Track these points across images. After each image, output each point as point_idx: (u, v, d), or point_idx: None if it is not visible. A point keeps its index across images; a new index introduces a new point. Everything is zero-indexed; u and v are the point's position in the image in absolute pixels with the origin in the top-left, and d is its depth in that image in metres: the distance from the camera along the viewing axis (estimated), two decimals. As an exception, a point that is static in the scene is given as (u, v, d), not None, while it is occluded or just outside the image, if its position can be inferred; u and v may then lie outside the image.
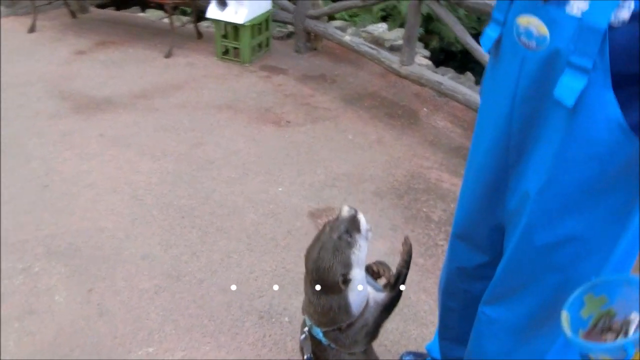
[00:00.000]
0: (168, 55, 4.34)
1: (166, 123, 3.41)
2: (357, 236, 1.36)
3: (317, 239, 1.39)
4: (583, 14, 0.90)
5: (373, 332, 1.48)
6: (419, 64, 3.85)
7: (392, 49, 4.45)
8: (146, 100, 3.67)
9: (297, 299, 2.16)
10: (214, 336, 2.00)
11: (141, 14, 5.60)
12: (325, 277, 1.34)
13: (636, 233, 1.09)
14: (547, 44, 0.97)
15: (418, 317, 2.14)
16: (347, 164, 3.10)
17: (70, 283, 2.20)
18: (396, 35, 4.70)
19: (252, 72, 4.21)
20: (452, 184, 3.01)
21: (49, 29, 4.76)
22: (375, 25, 5.05)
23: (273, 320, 2.07)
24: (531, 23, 0.99)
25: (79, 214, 2.58)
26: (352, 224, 1.37)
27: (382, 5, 5.68)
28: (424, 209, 2.80)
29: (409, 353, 1.95)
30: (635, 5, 0.85)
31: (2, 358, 1.88)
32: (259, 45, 4.43)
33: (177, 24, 4.71)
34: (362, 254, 1.37)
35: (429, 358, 1.84)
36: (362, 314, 1.43)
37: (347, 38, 4.10)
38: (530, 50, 1.01)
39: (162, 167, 2.96)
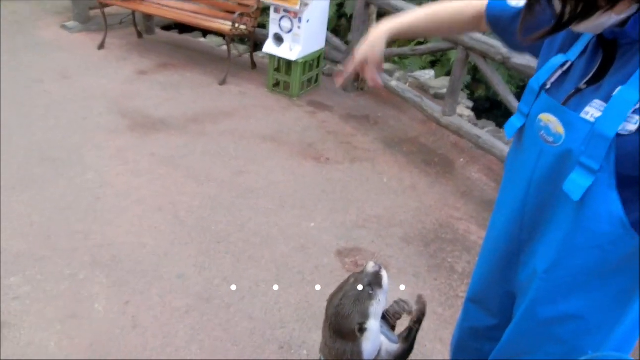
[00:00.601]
0: (222, 82, 4.60)
1: (213, 148, 3.62)
2: (378, 291, 1.47)
3: (341, 288, 1.51)
4: (596, 119, 1.01)
5: None
6: (460, 115, 3.95)
7: (437, 96, 4.58)
8: (197, 125, 3.91)
9: (317, 333, 2.28)
10: (235, 361, 2.14)
11: (202, 39, 5.93)
12: (343, 324, 1.44)
13: (636, 318, 1.16)
14: (562, 142, 1.07)
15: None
16: (379, 206, 3.22)
17: (110, 293, 2.38)
18: (442, 84, 4.83)
19: (299, 107, 4.40)
20: (480, 237, 3.08)
21: (117, 47, 5.11)
22: (422, 71, 5.19)
23: (292, 351, 2.19)
24: (550, 121, 1.10)
25: (125, 228, 2.79)
26: (375, 279, 1.48)
27: (432, 50, 5.82)
28: (449, 259, 2.88)
29: None
30: None
31: (44, 358, 2.06)
32: (309, 81, 4.64)
33: (234, 52, 4.97)
34: (380, 307, 1.48)
35: None
36: None
37: (393, 83, 4.26)
38: (547, 144, 1.11)
39: (205, 191, 3.16)
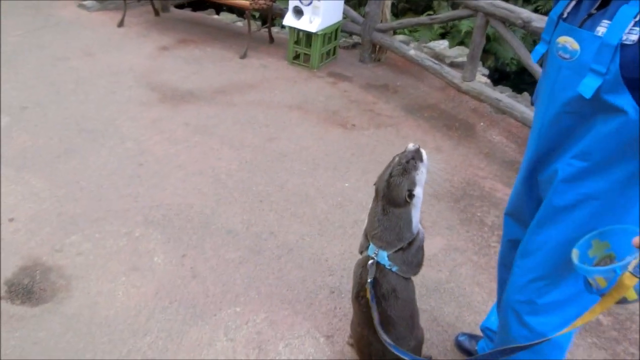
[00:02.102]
0: (243, 56, 4.70)
1: (243, 118, 3.74)
2: (420, 163, 1.69)
3: (388, 166, 1.70)
4: (604, 34, 1.26)
5: (421, 260, 1.77)
6: (479, 81, 4.07)
7: (452, 65, 4.69)
8: (225, 96, 4.02)
9: (363, 281, 2.43)
10: (291, 304, 2.28)
11: (216, 16, 6.00)
12: (395, 192, 1.64)
13: None
14: (577, 56, 1.33)
15: (472, 306, 2.37)
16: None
17: (167, 248, 2.52)
18: (457, 53, 4.94)
19: (320, 78, 4.51)
20: (505, 194, 3.22)
21: (135, 25, 5.19)
22: (436, 42, 5.29)
23: (343, 295, 2.34)
24: (567, 41, 1.36)
25: (171, 191, 2.92)
26: (417, 154, 1.70)
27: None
28: (478, 214, 3.03)
29: (463, 334, 2.19)
30: None
31: (114, 303, 2.20)
32: (327, 53, 4.74)
33: (253, 27, 5.05)
34: (422, 177, 1.69)
35: (484, 337, 2.07)
36: (417, 235, 1.72)
37: (411, 52, 4.37)
38: (564, 60, 1.36)
39: (241, 156, 3.29)
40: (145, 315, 2.17)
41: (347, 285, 2.40)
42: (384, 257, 1.69)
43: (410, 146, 1.72)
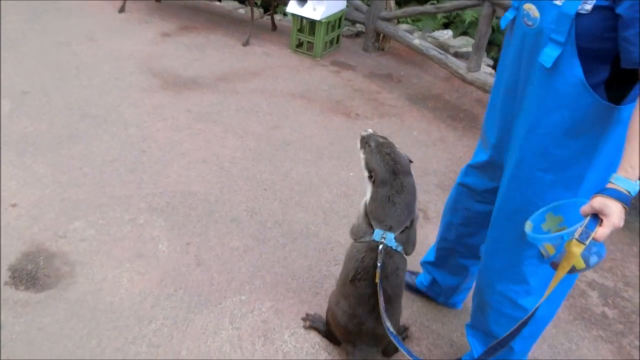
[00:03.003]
0: (246, 43, 4.66)
1: (246, 105, 3.71)
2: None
3: (372, 154, 1.77)
4: (562, 3, 1.30)
5: (416, 239, 1.87)
6: (485, 72, 4.04)
7: (456, 55, 4.66)
8: (227, 83, 3.99)
9: (412, 307, 2.32)
10: (296, 293, 2.27)
11: (217, 3, 5.94)
12: (404, 162, 1.77)
13: (601, 169, 1.45)
14: (538, 23, 1.38)
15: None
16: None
17: (171, 236, 2.51)
18: (461, 43, 4.91)
19: (323, 66, 4.48)
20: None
21: (136, 11, 5.14)
22: (440, 31, 5.25)
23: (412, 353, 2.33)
24: (530, 9, 1.40)
25: (174, 178, 2.90)
26: (383, 136, 1.87)
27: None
28: (483, 205, 3.01)
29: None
30: (596, 2, 1.25)
31: (119, 290, 2.19)
32: (331, 42, 4.70)
33: (255, 15, 5.00)
34: None
35: (423, 271, 2.29)
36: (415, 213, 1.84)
37: (416, 41, 4.33)
38: (528, 27, 1.42)
39: (245, 144, 3.26)
40: (150, 302, 2.16)
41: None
42: (391, 239, 1.74)
43: (368, 130, 1.89)
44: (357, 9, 4.83)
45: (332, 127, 3.57)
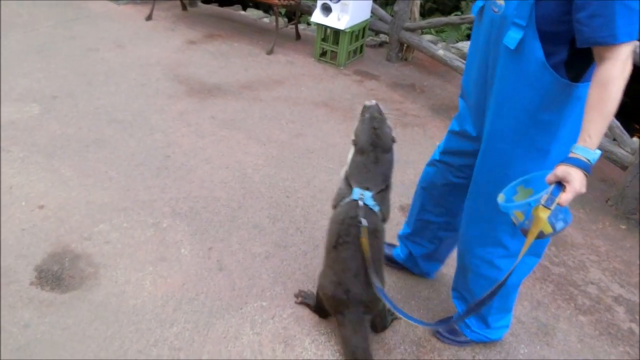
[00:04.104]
0: (270, 52, 4.70)
1: (270, 113, 3.73)
2: (384, 114, 1.94)
3: (363, 122, 1.89)
4: None
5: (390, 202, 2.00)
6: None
7: (481, 66, 4.63)
8: (251, 91, 4.02)
9: (390, 278, 2.41)
10: (317, 300, 2.27)
11: (242, 12, 6.02)
12: (385, 141, 1.88)
13: (565, 142, 1.55)
14: (503, 10, 1.52)
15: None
16: None
17: (193, 240, 2.52)
18: (485, 54, 4.88)
19: (347, 75, 4.49)
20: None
21: (163, 19, 5.23)
22: (464, 42, 5.24)
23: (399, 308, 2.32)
24: None
25: (197, 183, 2.92)
26: (379, 107, 1.94)
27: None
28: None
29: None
30: None
31: (142, 294, 2.21)
32: (354, 51, 4.72)
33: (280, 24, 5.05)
34: (390, 123, 1.95)
35: (400, 244, 2.43)
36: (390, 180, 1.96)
37: (440, 52, 4.32)
38: (495, 14, 1.55)
39: (268, 151, 3.28)
40: (172, 305, 2.17)
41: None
42: (369, 197, 1.86)
43: (372, 102, 1.94)
44: (381, 19, 4.85)
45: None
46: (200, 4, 5.83)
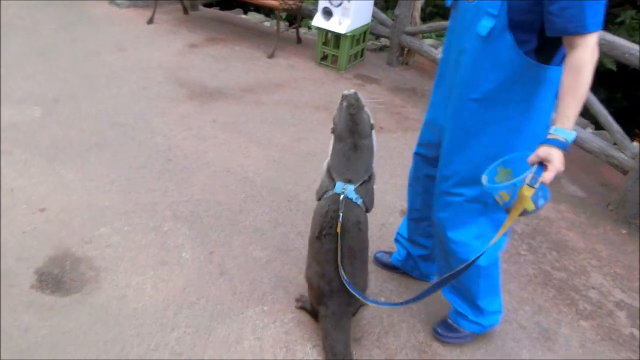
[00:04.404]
0: (271, 55, 4.71)
1: (271, 117, 3.74)
2: (362, 103, 1.97)
3: (340, 110, 1.92)
4: None
5: (373, 198, 2.06)
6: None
7: (481, 70, 4.63)
8: (252, 95, 4.02)
9: (391, 283, 2.42)
10: (319, 304, 2.26)
11: (243, 16, 6.03)
12: (362, 126, 1.90)
13: (535, 122, 1.68)
14: (476, 1, 1.60)
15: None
16: None
17: (194, 244, 2.52)
18: (486, 58, 4.88)
19: (347, 79, 4.50)
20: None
21: (165, 22, 5.24)
22: (465, 46, 5.24)
23: (371, 297, 2.32)
24: None
25: (199, 187, 2.92)
26: (357, 97, 1.96)
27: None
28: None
29: (379, 252, 2.55)
30: None
31: (142, 297, 2.21)
32: (355, 55, 4.72)
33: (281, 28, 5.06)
34: (369, 110, 2.00)
35: (397, 249, 2.45)
36: (373, 171, 2.02)
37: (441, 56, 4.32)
38: (468, 3, 1.65)
39: (269, 154, 3.28)
40: (173, 310, 2.16)
41: (375, 288, 2.38)
42: (351, 190, 1.88)
43: (350, 90, 1.96)
44: (381, 23, 4.85)
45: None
46: (201, 7, 5.84)
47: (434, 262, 2.37)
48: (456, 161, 1.83)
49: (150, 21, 5.13)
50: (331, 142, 1.99)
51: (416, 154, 2.15)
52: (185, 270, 2.37)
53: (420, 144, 2.11)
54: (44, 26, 4.80)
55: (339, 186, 1.90)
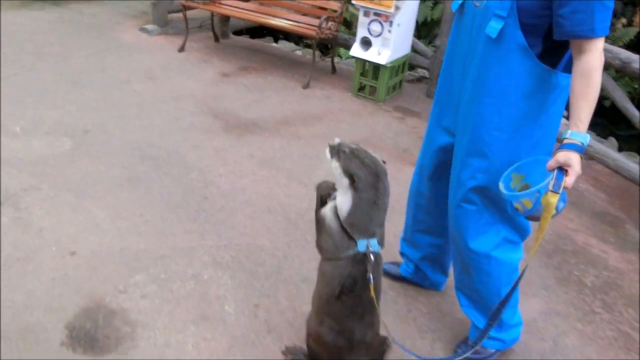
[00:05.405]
0: (306, 86, 4.53)
1: (310, 152, 3.53)
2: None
3: (350, 160, 1.69)
4: None
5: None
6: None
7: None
8: (289, 127, 3.83)
9: (402, 301, 2.15)
10: (379, 370, 2.01)
11: (274, 44, 5.90)
12: (380, 163, 1.71)
13: (546, 128, 1.70)
14: (484, 4, 1.62)
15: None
16: None
17: (237, 295, 2.29)
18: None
19: (386, 112, 4.30)
20: (602, 250, 2.91)
21: (196, 50, 5.11)
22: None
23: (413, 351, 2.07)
24: None
25: (239, 229, 2.71)
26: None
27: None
28: (576, 272, 2.71)
29: (386, 263, 2.36)
30: None
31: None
32: (393, 87, 4.54)
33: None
34: None
35: (403, 261, 2.46)
36: None
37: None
38: (477, 8, 1.66)
39: (311, 194, 3.05)
40: (218, 375, 1.93)
41: (404, 308, 2.13)
42: (375, 245, 1.67)
43: (337, 140, 1.82)
44: (421, 53, 4.67)
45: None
46: (232, 35, 5.73)
47: (442, 272, 2.38)
48: (469, 168, 1.81)
49: (182, 49, 5.01)
50: (348, 197, 1.66)
51: (420, 166, 2.18)
52: (229, 326, 2.14)
53: (425, 155, 2.14)
54: (74, 53, 4.69)
55: (363, 245, 1.64)
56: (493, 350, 2.10)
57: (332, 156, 1.74)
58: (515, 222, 1.87)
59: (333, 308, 1.75)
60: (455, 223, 1.94)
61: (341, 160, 1.71)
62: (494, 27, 1.57)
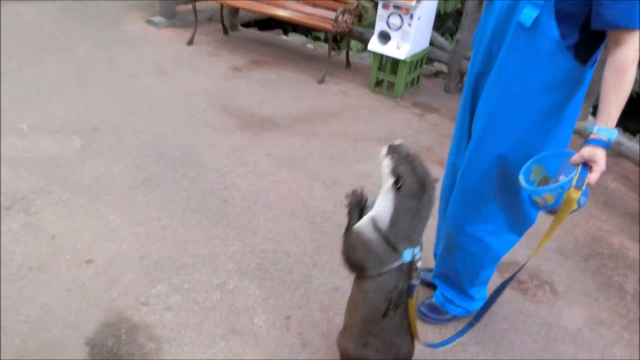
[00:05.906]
0: (321, 81, 4.38)
1: (330, 150, 3.39)
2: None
3: (406, 161, 1.56)
4: None
5: None
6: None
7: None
8: (306, 125, 3.69)
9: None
10: (423, 389, 1.89)
11: (284, 37, 5.73)
12: (434, 180, 1.59)
13: (566, 123, 1.68)
14: None
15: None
16: None
17: (267, 307, 2.16)
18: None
19: (405, 108, 4.15)
20: (637, 252, 2.79)
21: (205, 43, 4.93)
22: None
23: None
24: None
25: (262, 234, 2.57)
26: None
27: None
28: (615, 278, 2.59)
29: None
30: None
31: (215, 377, 1.84)
32: (411, 82, 4.39)
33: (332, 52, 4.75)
34: None
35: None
36: None
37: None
38: None
39: (335, 195, 2.92)
40: (252, 395, 1.80)
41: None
42: (419, 252, 1.60)
43: (399, 141, 1.68)
44: (440, 48, 4.52)
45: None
46: (241, 27, 5.55)
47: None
48: (483, 156, 1.78)
49: (191, 42, 4.83)
50: (391, 200, 1.56)
51: (453, 165, 2.07)
52: (260, 341, 2.00)
53: (457, 154, 2.05)
54: (79, 46, 4.51)
55: (409, 254, 1.56)
56: (451, 315, 2.17)
57: (387, 153, 1.64)
58: (520, 214, 1.87)
59: (379, 327, 1.65)
60: (457, 207, 1.94)
61: (394, 159, 1.60)
62: (528, 15, 1.51)
